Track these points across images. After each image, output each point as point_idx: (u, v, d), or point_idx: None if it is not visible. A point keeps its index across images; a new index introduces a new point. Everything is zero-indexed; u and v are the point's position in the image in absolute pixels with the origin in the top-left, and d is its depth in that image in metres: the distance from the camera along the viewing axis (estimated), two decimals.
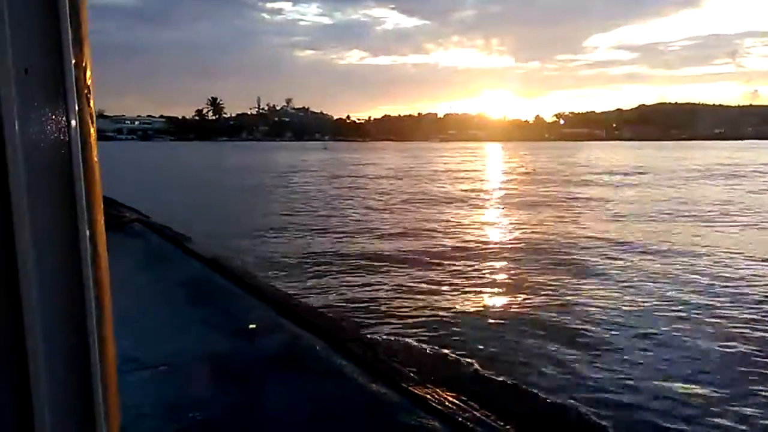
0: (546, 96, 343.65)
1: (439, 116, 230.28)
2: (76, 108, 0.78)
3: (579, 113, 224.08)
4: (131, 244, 8.16)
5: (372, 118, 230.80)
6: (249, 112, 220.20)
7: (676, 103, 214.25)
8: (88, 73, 0.82)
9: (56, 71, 0.77)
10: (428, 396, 3.15)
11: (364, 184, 29.96)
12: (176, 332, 4.34)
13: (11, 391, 0.76)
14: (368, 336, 4.65)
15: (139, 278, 6.18)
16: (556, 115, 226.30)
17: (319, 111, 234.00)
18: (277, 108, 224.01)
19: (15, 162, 0.74)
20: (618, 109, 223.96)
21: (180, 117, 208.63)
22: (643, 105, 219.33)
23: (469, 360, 4.98)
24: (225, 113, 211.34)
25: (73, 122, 0.78)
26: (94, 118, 0.84)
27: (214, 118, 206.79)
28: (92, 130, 0.82)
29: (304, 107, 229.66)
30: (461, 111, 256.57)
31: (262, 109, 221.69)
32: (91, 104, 0.83)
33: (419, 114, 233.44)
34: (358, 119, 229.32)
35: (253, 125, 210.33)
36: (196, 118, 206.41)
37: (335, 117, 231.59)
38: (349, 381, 3.46)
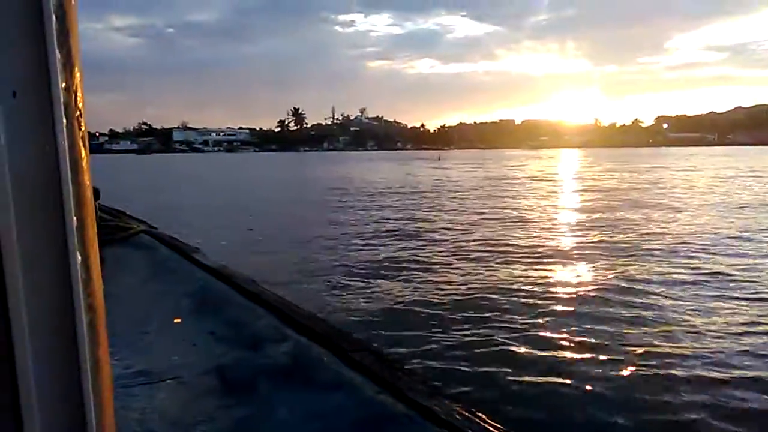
0: (626, 100, 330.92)
1: (516, 123, 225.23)
2: (65, 131, 0.78)
3: (685, 117, 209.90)
4: (138, 256, 8.12)
5: (446, 126, 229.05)
6: (324, 123, 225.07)
7: None
8: (79, 96, 0.82)
9: (45, 95, 0.76)
10: (437, 408, 3.08)
11: None
12: (183, 344, 4.34)
13: (2, 422, 0.76)
14: (375, 346, 4.59)
15: (145, 290, 6.21)
16: (657, 119, 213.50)
17: (392, 120, 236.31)
18: (352, 118, 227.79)
19: (2, 187, 0.74)
20: (711, 113, 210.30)
21: (258, 128, 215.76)
22: (740, 107, 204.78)
23: None
24: (306, 123, 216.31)
25: (63, 145, 0.78)
26: (87, 141, 0.84)
27: (295, 128, 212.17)
28: (83, 153, 0.82)
29: (378, 116, 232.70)
30: (540, 117, 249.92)
31: (337, 119, 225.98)
32: (83, 127, 0.82)
33: (500, 120, 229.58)
34: (443, 127, 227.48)
35: (332, 135, 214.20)
36: (278, 129, 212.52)
37: (409, 125, 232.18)
38: (356, 392, 3.41)
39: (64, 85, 0.78)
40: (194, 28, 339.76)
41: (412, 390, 3.35)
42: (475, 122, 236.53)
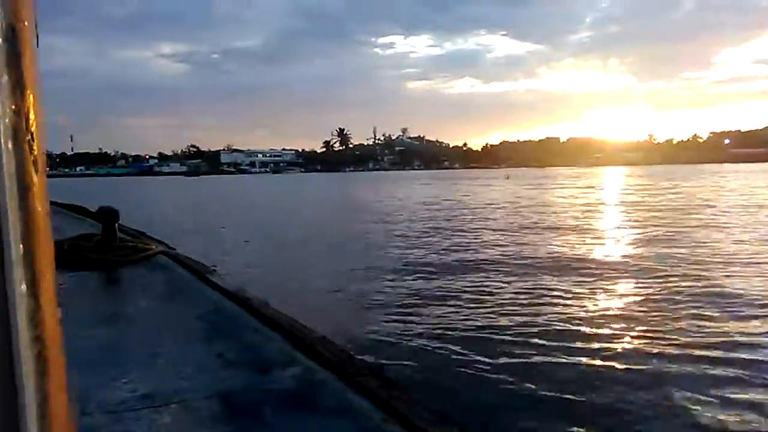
0: (674, 115, 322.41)
1: (562, 141, 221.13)
2: (8, 156, 0.75)
3: (739, 132, 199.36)
4: (155, 277, 8.18)
5: (490, 145, 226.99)
6: (366, 143, 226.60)
7: None
8: (32, 119, 0.80)
9: None
10: None
11: None
12: (191, 367, 4.31)
13: None
14: (384, 371, 4.50)
15: (159, 311, 6.21)
16: (712, 134, 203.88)
17: (434, 139, 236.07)
18: (393, 137, 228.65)
19: None
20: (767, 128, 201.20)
21: (301, 149, 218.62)
22: None
23: None
24: (351, 143, 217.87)
25: (5, 170, 0.75)
26: (41, 165, 0.81)
27: (341, 148, 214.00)
28: (35, 178, 0.79)
29: (419, 136, 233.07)
30: (584, 135, 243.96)
31: (379, 139, 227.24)
32: (35, 150, 0.80)
33: (547, 138, 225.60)
34: (487, 145, 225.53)
35: (375, 155, 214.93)
36: (323, 149, 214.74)
37: (451, 145, 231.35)
38: (362, 419, 3.33)
39: (13, 107, 0.76)
40: (238, 53, 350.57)
41: (419, 417, 3.27)
42: (518, 140, 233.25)
